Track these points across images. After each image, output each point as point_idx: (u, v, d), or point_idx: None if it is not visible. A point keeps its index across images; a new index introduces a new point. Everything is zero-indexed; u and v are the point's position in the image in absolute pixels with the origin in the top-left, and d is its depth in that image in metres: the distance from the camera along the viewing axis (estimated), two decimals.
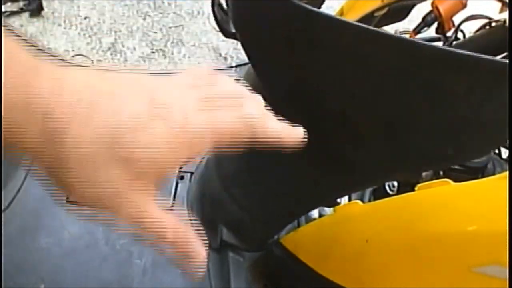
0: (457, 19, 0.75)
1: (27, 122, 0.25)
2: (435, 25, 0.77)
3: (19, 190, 1.03)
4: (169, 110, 0.27)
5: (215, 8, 0.59)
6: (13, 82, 0.25)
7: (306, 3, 0.39)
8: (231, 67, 1.28)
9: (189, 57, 1.56)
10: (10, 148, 0.27)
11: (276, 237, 0.80)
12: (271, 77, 0.52)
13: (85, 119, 0.26)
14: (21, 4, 1.63)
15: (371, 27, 0.38)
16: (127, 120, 0.26)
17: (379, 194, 0.74)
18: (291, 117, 0.54)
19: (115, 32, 1.62)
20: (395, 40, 0.38)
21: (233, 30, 0.54)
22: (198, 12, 1.70)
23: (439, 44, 0.78)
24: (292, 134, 0.35)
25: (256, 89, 0.62)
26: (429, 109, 0.42)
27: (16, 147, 0.27)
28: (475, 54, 0.36)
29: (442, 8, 0.73)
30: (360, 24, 0.37)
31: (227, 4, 0.54)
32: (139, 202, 0.28)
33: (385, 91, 0.42)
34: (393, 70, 0.40)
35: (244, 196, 0.74)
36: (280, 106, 0.55)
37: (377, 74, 0.41)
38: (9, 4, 1.62)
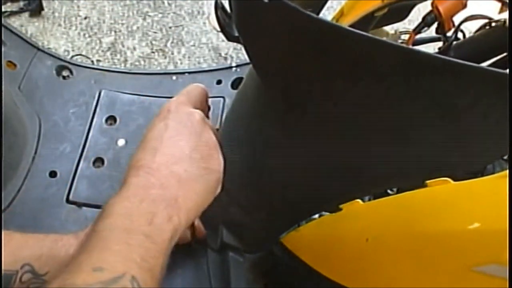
0: (457, 19, 0.75)
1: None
2: (435, 25, 0.77)
3: (19, 190, 1.03)
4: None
5: (218, 12, 0.59)
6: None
7: (309, 8, 0.39)
8: (231, 67, 1.28)
9: (189, 57, 1.57)
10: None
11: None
12: (273, 80, 0.52)
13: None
14: (21, 4, 1.63)
15: (376, 37, 0.38)
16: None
17: (379, 193, 0.74)
18: (294, 121, 0.54)
19: (115, 32, 1.62)
20: (400, 50, 0.38)
21: (236, 34, 0.54)
22: (198, 12, 1.70)
23: (440, 44, 0.78)
24: None
25: (258, 90, 0.62)
26: (433, 118, 0.42)
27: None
28: (476, 65, 0.36)
29: (442, 8, 0.73)
30: (366, 33, 0.37)
31: (230, 8, 0.54)
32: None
33: (390, 100, 0.42)
34: (398, 79, 0.40)
35: (245, 198, 0.74)
36: (282, 109, 0.55)
37: (382, 83, 0.41)
38: (9, 4, 1.62)
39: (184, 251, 0.95)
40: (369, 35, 0.38)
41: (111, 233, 0.31)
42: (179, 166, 0.36)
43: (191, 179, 0.36)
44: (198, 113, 0.40)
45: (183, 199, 0.35)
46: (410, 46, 0.41)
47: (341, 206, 0.62)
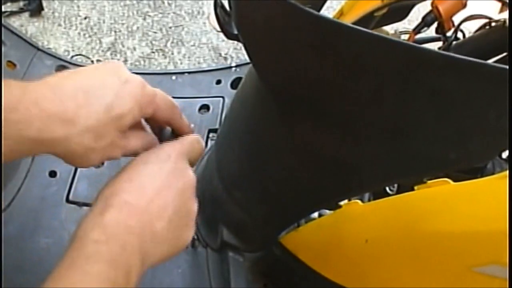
0: (457, 19, 0.75)
1: None
2: (435, 25, 0.77)
3: (19, 190, 1.03)
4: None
5: (218, 10, 0.59)
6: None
7: (308, 5, 0.39)
8: (231, 67, 1.28)
9: (189, 57, 1.57)
10: None
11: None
12: (273, 78, 0.52)
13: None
14: (21, 4, 1.63)
15: (377, 33, 0.38)
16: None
17: (379, 194, 0.74)
18: (293, 119, 0.54)
19: (115, 32, 1.62)
20: (400, 46, 0.38)
21: (236, 32, 0.54)
22: (198, 12, 1.70)
23: (439, 44, 0.78)
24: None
25: (257, 89, 0.62)
26: (433, 114, 0.42)
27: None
28: (477, 60, 0.36)
29: (442, 8, 0.73)
30: (366, 30, 0.37)
31: (229, 6, 0.54)
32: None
33: (389, 96, 0.42)
34: (398, 75, 0.40)
35: (245, 197, 0.74)
36: (282, 108, 0.55)
37: (382, 79, 0.41)
38: (9, 4, 1.62)
39: (184, 251, 0.95)
40: (371, 31, 0.38)
41: (102, 283, 0.32)
42: (158, 223, 0.37)
43: (162, 240, 0.38)
44: (193, 179, 0.41)
45: (149, 256, 0.36)
46: (411, 42, 0.41)
47: (340, 203, 0.62)
